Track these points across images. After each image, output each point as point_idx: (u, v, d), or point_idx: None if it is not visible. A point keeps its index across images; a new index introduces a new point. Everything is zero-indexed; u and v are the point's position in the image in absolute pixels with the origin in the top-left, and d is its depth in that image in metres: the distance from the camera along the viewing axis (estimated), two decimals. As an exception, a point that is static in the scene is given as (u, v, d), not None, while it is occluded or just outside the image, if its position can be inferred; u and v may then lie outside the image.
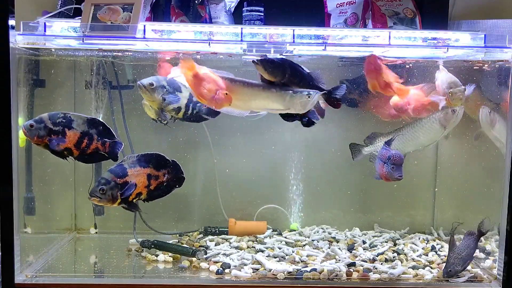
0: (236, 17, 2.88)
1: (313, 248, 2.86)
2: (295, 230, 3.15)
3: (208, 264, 2.60)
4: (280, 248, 2.82)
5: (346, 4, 2.87)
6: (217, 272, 2.50)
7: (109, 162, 2.77)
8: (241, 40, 2.43)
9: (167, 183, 2.54)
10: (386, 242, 2.98)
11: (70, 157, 2.41)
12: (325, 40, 2.45)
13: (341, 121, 3.09)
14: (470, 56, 2.62)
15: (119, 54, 2.73)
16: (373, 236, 3.08)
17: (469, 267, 2.60)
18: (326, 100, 2.45)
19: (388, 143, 2.52)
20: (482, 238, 2.90)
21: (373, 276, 2.49)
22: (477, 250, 2.75)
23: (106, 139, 2.45)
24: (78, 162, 3.02)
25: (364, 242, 2.95)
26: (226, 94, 2.32)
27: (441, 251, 2.87)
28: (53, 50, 2.59)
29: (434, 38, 2.50)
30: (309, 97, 2.37)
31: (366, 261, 2.66)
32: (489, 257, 2.71)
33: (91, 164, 3.00)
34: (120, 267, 2.62)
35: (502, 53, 2.50)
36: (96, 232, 3.12)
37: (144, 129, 2.97)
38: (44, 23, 2.37)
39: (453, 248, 2.47)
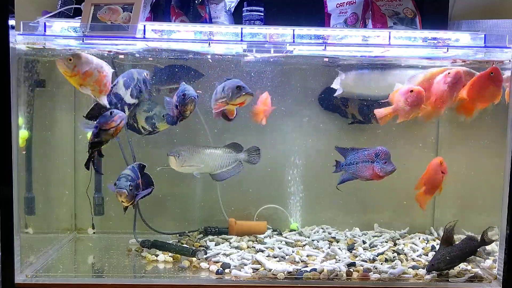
0: (236, 17, 2.88)
1: (313, 248, 2.86)
2: (295, 230, 3.15)
3: (208, 264, 2.60)
4: (280, 248, 2.81)
5: (346, 4, 2.86)
6: (217, 272, 2.50)
7: (109, 163, 2.79)
8: (241, 40, 2.43)
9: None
10: (386, 242, 2.98)
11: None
12: (325, 40, 2.46)
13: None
14: (470, 56, 2.62)
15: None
16: (373, 236, 3.08)
17: (469, 267, 2.60)
18: None
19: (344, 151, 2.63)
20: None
21: (373, 276, 2.49)
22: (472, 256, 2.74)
23: None
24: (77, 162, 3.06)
25: (364, 242, 2.95)
26: None
27: (441, 251, 2.87)
28: (52, 50, 2.59)
29: (434, 38, 2.50)
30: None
31: (366, 261, 2.66)
32: (489, 257, 2.71)
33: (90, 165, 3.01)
34: (120, 267, 2.62)
35: (502, 53, 2.50)
36: (94, 233, 3.12)
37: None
38: (44, 23, 2.38)
39: (445, 245, 2.46)
